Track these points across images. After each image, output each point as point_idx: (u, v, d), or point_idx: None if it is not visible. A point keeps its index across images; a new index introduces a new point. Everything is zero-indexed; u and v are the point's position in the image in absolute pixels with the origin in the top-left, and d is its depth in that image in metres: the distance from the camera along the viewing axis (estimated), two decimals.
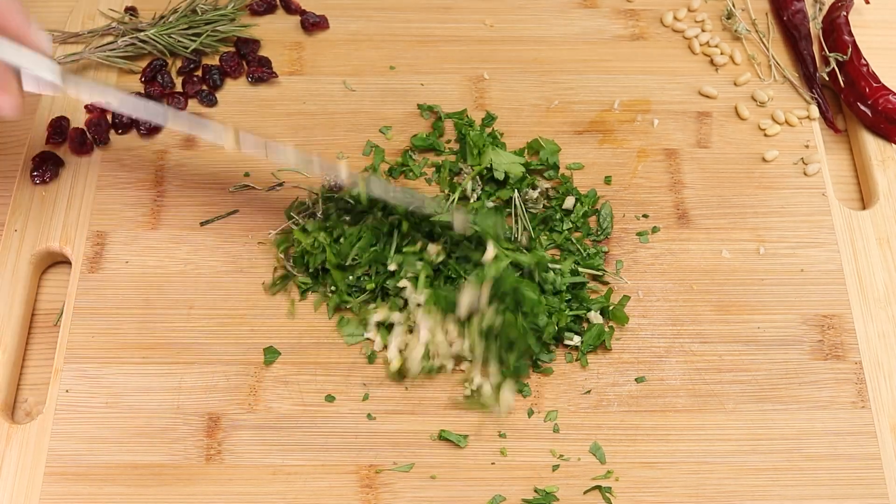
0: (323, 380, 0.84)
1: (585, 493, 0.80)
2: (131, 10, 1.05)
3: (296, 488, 0.80)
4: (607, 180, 0.95)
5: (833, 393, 0.84)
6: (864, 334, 0.87)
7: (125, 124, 0.97)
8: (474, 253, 0.86)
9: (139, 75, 1.00)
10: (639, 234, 0.92)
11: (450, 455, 0.81)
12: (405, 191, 0.88)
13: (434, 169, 0.95)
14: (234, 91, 1.00)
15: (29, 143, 0.96)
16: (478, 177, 0.93)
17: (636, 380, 0.85)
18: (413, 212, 0.87)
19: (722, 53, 1.04)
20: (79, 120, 0.98)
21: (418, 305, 0.84)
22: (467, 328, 0.83)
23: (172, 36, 1.01)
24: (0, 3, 0.77)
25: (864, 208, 0.96)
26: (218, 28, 1.02)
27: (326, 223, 0.89)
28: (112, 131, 0.97)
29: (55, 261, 0.92)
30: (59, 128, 0.96)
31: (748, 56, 1.05)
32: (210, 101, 0.99)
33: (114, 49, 1.00)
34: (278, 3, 1.07)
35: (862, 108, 0.99)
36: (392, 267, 0.85)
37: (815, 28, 1.06)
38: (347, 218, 0.89)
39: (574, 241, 0.90)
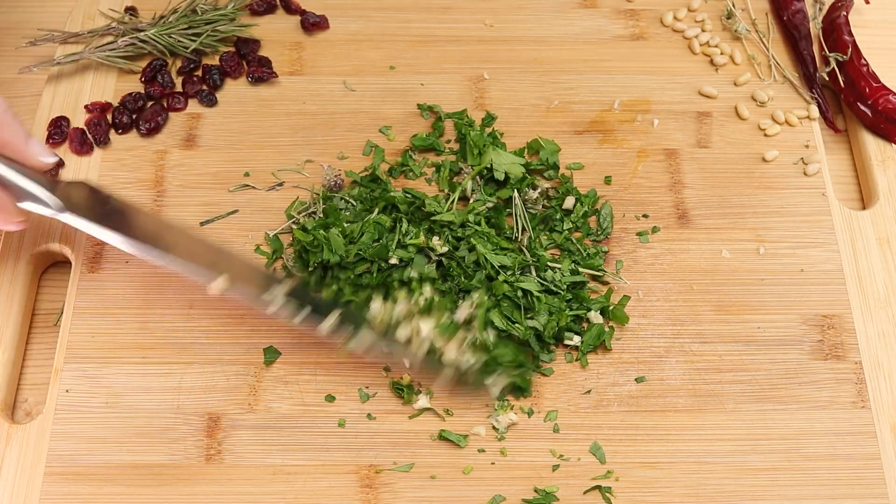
0: (323, 380, 0.84)
1: (585, 493, 0.80)
2: (131, 10, 1.05)
3: (296, 488, 0.80)
4: (607, 180, 0.95)
5: (833, 393, 0.84)
6: (864, 334, 0.87)
7: (125, 124, 0.97)
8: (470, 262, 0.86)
9: (139, 75, 1.00)
10: (639, 234, 0.92)
11: (450, 455, 0.81)
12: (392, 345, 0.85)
13: (434, 169, 0.95)
14: (234, 91, 1.01)
15: None
16: (478, 177, 0.93)
17: (636, 380, 0.85)
18: (415, 210, 0.88)
19: (722, 53, 1.04)
20: (79, 120, 0.98)
21: (419, 302, 0.84)
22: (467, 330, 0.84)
23: (172, 36, 1.01)
24: None
25: (864, 208, 0.96)
26: (218, 28, 1.02)
27: (327, 219, 0.89)
28: (112, 131, 0.97)
29: (55, 261, 0.92)
30: (59, 128, 0.96)
31: (748, 56, 1.05)
32: (210, 101, 0.99)
33: (114, 49, 1.00)
34: (278, 3, 1.07)
35: (862, 108, 0.99)
36: (393, 260, 0.85)
37: (815, 28, 1.06)
38: (348, 214, 0.89)
39: (574, 241, 0.90)
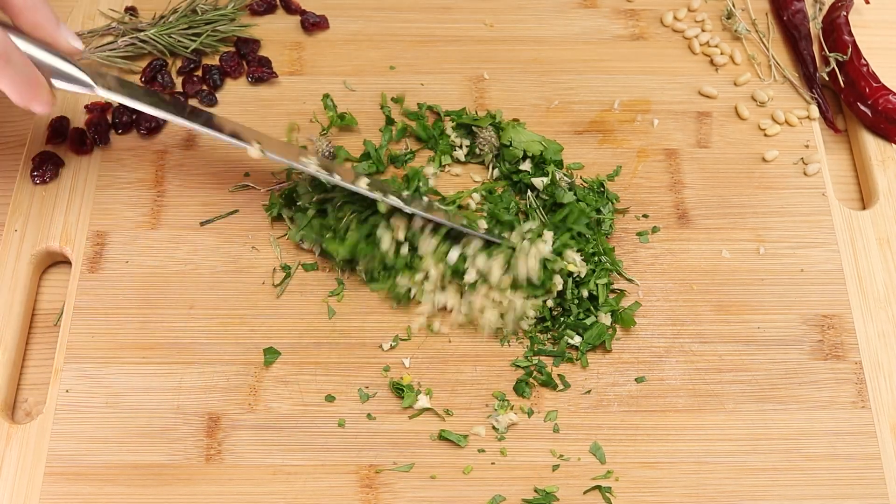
0: (323, 380, 0.84)
1: (585, 493, 0.80)
2: (131, 10, 1.05)
3: (296, 488, 0.80)
4: (610, 177, 0.95)
5: (833, 393, 0.84)
6: (864, 334, 0.87)
7: (125, 124, 0.97)
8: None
9: (139, 75, 1.00)
10: (639, 234, 0.92)
11: (450, 455, 0.81)
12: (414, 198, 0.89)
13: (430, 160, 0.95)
14: (235, 91, 1.01)
15: (29, 143, 0.96)
16: (492, 155, 0.94)
17: (636, 380, 0.85)
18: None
19: (722, 53, 1.04)
20: (79, 120, 0.98)
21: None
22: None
23: (172, 36, 1.01)
24: (28, 4, 0.78)
25: (864, 208, 0.96)
26: (218, 28, 1.02)
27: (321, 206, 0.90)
28: (112, 131, 0.97)
29: (55, 261, 0.92)
30: (59, 128, 0.96)
31: (748, 56, 1.05)
32: (210, 101, 0.99)
33: (114, 49, 1.01)
34: (278, 3, 1.07)
35: (862, 108, 0.99)
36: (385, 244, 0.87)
37: (815, 28, 1.06)
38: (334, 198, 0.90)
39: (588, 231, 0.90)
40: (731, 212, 0.93)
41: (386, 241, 0.87)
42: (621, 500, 0.80)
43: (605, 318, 0.86)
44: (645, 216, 0.93)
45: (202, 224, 0.92)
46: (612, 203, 0.92)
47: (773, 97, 1.01)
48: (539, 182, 0.91)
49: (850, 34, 1.03)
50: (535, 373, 0.85)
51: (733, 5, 1.07)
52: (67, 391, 0.83)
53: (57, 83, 0.81)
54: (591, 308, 0.86)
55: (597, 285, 0.86)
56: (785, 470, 0.81)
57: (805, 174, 0.96)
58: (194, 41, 1.01)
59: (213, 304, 0.87)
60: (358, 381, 0.84)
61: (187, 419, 0.82)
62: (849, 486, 0.80)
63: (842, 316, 0.88)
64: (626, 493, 0.80)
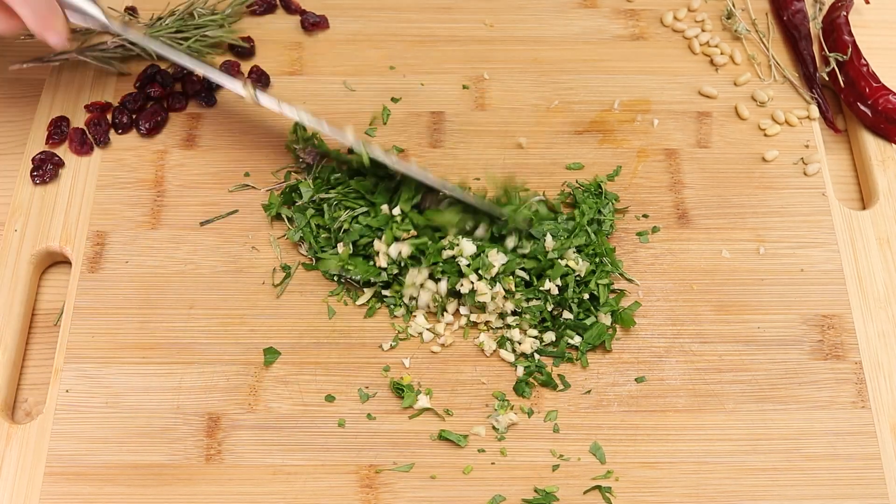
0: (323, 380, 0.84)
1: (585, 493, 0.80)
2: (131, 10, 1.05)
3: (296, 488, 0.80)
4: (610, 177, 0.95)
5: (833, 393, 0.84)
6: (864, 334, 0.87)
7: (125, 124, 0.97)
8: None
9: (134, 81, 1.00)
10: (639, 234, 0.92)
11: (450, 455, 0.81)
12: (402, 163, 0.90)
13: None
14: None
15: (29, 143, 0.96)
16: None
17: (636, 380, 0.85)
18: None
19: (722, 53, 1.04)
20: (79, 120, 0.98)
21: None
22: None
23: (161, 39, 1.00)
24: None
25: (864, 208, 0.96)
26: (206, 34, 1.02)
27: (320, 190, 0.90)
28: (112, 131, 0.97)
29: (55, 261, 0.92)
30: (59, 128, 0.96)
31: (748, 56, 1.05)
32: (209, 102, 0.99)
33: (103, 50, 1.00)
34: (278, 3, 1.07)
35: (862, 108, 0.99)
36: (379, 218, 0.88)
37: (815, 28, 1.06)
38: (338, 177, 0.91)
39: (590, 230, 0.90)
40: (731, 212, 0.93)
41: (382, 259, 0.86)
42: (621, 500, 0.80)
43: (605, 318, 0.86)
44: (645, 216, 0.93)
45: (202, 224, 0.92)
46: (612, 203, 0.92)
47: (773, 97, 1.01)
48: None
49: (850, 34, 1.03)
50: (535, 373, 0.85)
51: (733, 5, 1.07)
52: (67, 391, 0.83)
53: (72, 17, 0.83)
54: (592, 308, 0.86)
55: (598, 285, 0.86)
56: (785, 470, 0.81)
57: (805, 174, 0.96)
58: (182, 45, 1.01)
59: (213, 304, 0.87)
60: (358, 381, 0.84)
61: (187, 419, 0.82)
62: (849, 486, 0.80)
63: (842, 316, 0.88)
64: (626, 493, 0.80)
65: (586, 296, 0.86)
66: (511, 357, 0.85)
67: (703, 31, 1.06)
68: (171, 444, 0.81)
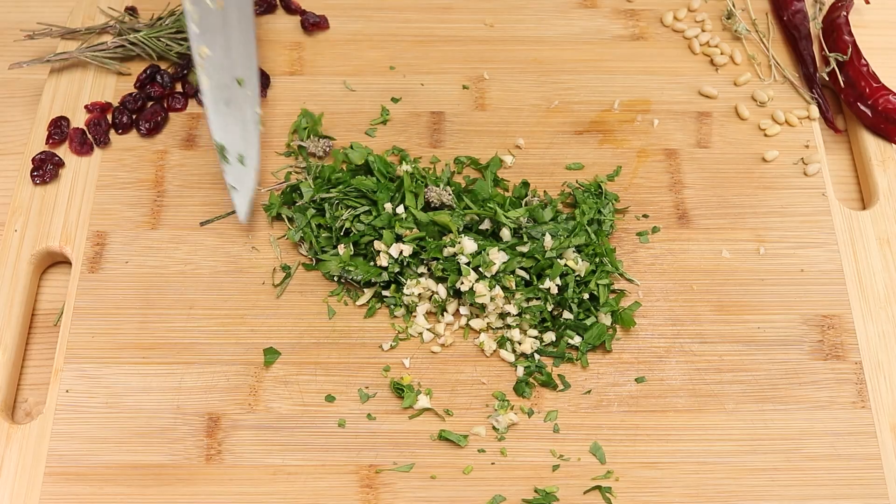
0: (323, 380, 0.84)
1: (585, 493, 0.80)
2: (131, 10, 1.05)
3: (296, 488, 0.80)
4: (610, 177, 0.95)
5: (833, 393, 0.84)
6: (864, 334, 0.87)
7: (125, 124, 0.97)
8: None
9: (133, 81, 1.00)
10: (639, 234, 0.92)
11: (450, 455, 0.81)
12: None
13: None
14: None
15: (29, 143, 0.96)
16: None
17: (636, 380, 0.85)
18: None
19: (722, 53, 1.04)
20: (79, 120, 0.98)
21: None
22: None
23: (161, 39, 1.00)
24: None
25: (864, 208, 0.96)
26: None
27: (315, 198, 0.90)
28: (112, 131, 0.97)
29: (55, 261, 0.92)
30: (59, 128, 0.96)
31: (748, 56, 1.05)
32: None
33: (103, 49, 1.00)
34: (278, 3, 1.07)
35: (862, 108, 0.99)
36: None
37: (815, 28, 1.06)
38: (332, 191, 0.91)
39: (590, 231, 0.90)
40: (731, 212, 0.93)
41: (383, 258, 0.86)
42: (621, 500, 0.80)
43: (605, 319, 0.86)
44: (645, 216, 0.93)
45: (202, 224, 0.92)
46: (612, 203, 0.92)
47: (773, 97, 1.01)
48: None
49: (850, 34, 1.03)
50: (535, 373, 0.85)
51: (733, 5, 1.07)
52: (67, 391, 0.83)
53: None
54: (592, 308, 0.86)
55: (598, 286, 0.86)
56: (785, 470, 0.81)
57: (805, 174, 0.96)
58: (182, 45, 1.01)
59: (213, 304, 0.87)
60: (358, 381, 0.84)
61: (187, 419, 0.82)
62: (849, 486, 0.80)
63: (842, 316, 0.88)
64: (626, 493, 0.80)
65: (586, 296, 0.86)
66: (511, 357, 0.85)
67: (703, 31, 1.06)
68: (171, 444, 0.81)
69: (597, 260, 0.87)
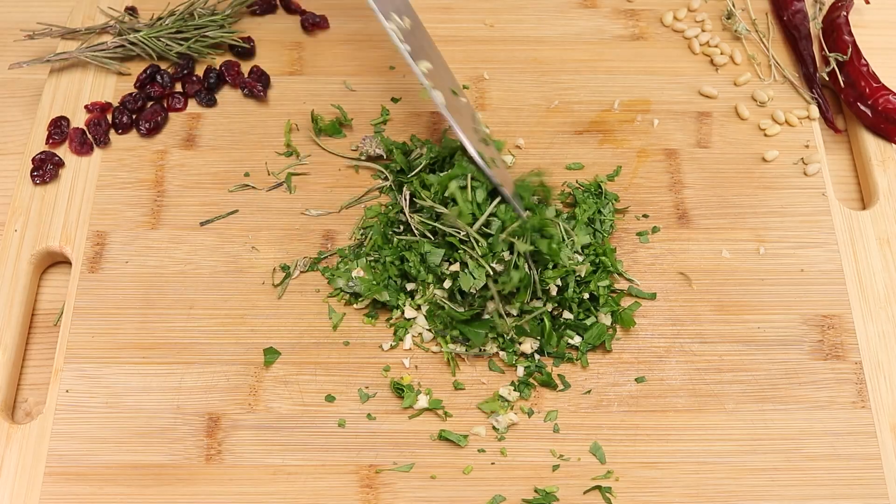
0: (323, 380, 0.84)
1: (585, 493, 0.80)
2: (131, 10, 1.05)
3: (296, 488, 0.80)
4: (610, 177, 0.95)
5: (833, 393, 0.84)
6: (864, 334, 0.87)
7: (125, 124, 0.97)
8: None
9: (133, 81, 1.00)
10: (639, 234, 0.92)
11: (450, 455, 0.81)
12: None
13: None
14: (234, 92, 1.00)
15: (29, 143, 0.96)
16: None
17: (636, 380, 0.85)
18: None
19: (722, 53, 1.04)
20: (79, 120, 0.98)
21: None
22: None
23: (161, 39, 1.00)
24: None
25: (864, 208, 0.96)
26: (207, 34, 1.02)
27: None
28: (112, 131, 0.97)
29: (55, 261, 0.92)
30: (59, 128, 0.96)
31: (748, 56, 1.05)
32: (209, 102, 0.99)
33: (103, 50, 1.00)
34: (278, 3, 1.07)
35: (862, 108, 0.99)
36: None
37: (815, 28, 1.06)
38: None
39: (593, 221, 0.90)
40: (731, 212, 0.93)
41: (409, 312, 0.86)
42: (621, 500, 0.80)
43: (605, 319, 0.86)
44: (645, 216, 0.93)
45: (202, 224, 0.92)
46: (612, 203, 0.92)
47: (773, 97, 1.01)
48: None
49: (850, 34, 1.03)
50: (535, 373, 0.85)
51: (733, 5, 1.07)
52: (67, 391, 0.83)
53: None
54: (592, 308, 0.86)
55: (598, 286, 0.86)
56: (785, 470, 0.81)
57: (805, 174, 0.96)
58: (181, 45, 1.01)
59: (213, 304, 0.87)
60: (358, 381, 0.84)
61: (187, 419, 0.82)
62: (849, 486, 0.80)
63: (842, 316, 0.88)
64: (626, 493, 0.80)
65: (586, 295, 0.86)
66: (511, 357, 0.85)
67: (703, 31, 1.06)
68: (171, 444, 0.81)
69: (597, 260, 0.87)
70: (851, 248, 0.91)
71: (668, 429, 0.83)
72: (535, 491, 0.80)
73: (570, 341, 0.85)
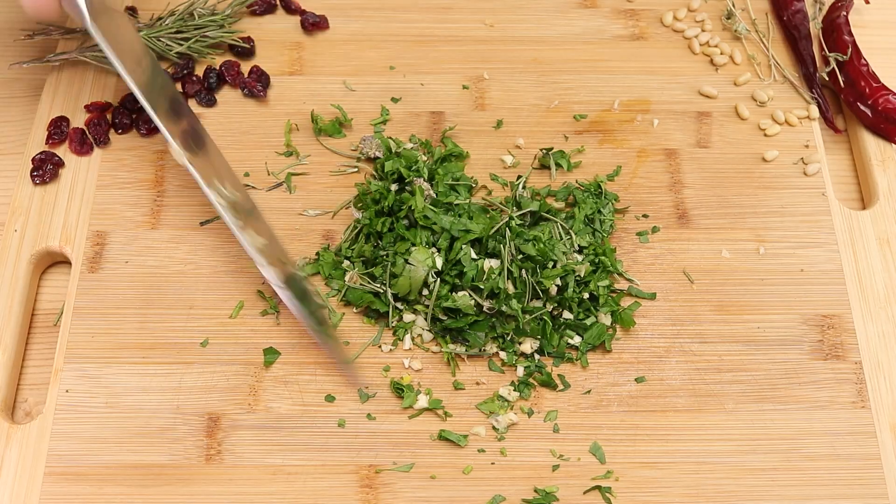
0: (323, 380, 0.84)
1: (585, 493, 0.80)
2: (131, 10, 1.05)
3: (296, 488, 0.80)
4: (610, 177, 0.95)
5: (833, 393, 0.84)
6: (864, 334, 0.87)
7: (125, 124, 0.97)
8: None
9: None
10: (639, 234, 0.92)
11: (450, 455, 0.81)
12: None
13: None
14: (234, 92, 1.00)
15: (29, 143, 0.96)
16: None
17: (636, 380, 0.85)
18: None
19: (722, 53, 1.04)
20: (79, 120, 0.98)
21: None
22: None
23: (161, 39, 1.00)
24: None
25: (864, 208, 0.96)
26: (207, 34, 1.02)
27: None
28: (112, 131, 0.97)
29: (55, 261, 0.92)
30: (58, 128, 0.96)
31: (748, 56, 1.05)
32: (209, 102, 0.99)
33: (100, 50, 1.00)
34: (278, 3, 1.07)
35: (862, 108, 0.99)
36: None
37: (815, 28, 1.06)
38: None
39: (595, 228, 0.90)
40: (731, 212, 0.93)
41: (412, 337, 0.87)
42: (621, 500, 0.80)
43: (605, 319, 0.86)
44: (645, 216, 0.93)
45: (202, 224, 0.92)
46: (612, 203, 0.92)
47: (773, 97, 1.01)
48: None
49: (850, 34, 1.03)
50: (535, 373, 0.85)
51: (733, 5, 1.07)
52: (67, 391, 0.83)
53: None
54: (592, 308, 0.86)
55: (598, 286, 0.86)
56: (785, 470, 0.81)
57: (805, 174, 0.96)
58: (181, 45, 1.01)
59: (213, 304, 0.87)
60: (358, 381, 0.84)
61: (187, 419, 0.82)
62: (849, 486, 0.80)
63: (842, 316, 0.88)
64: (626, 493, 0.80)
65: (586, 295, 0.86)
66: (511, 357, 0.85)
67: (703, 31, 1.06)
68: (171, 444, 0.81)
69: (597, 260, 0.87)
70: (851, 248, 0.91)
71: (668, 429, 0.83)
72: (535, 491, 0.80)
73: (569, 341, 0.85)
